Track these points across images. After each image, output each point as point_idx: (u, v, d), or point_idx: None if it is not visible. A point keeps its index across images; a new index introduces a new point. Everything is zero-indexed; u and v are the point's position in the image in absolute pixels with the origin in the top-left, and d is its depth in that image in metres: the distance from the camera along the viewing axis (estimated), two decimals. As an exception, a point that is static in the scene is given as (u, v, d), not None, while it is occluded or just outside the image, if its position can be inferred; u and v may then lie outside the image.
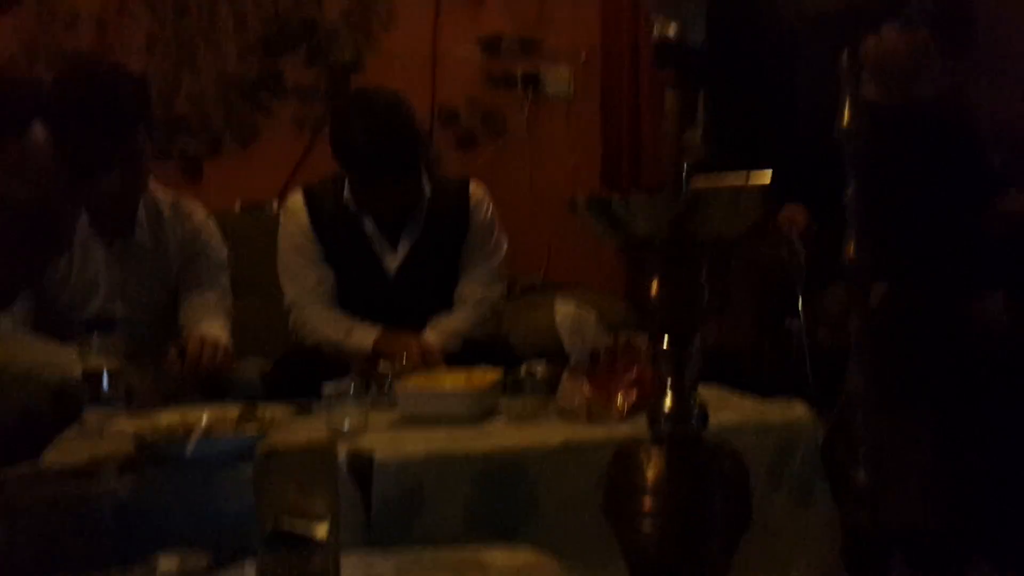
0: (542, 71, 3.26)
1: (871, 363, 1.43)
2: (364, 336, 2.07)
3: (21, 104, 0.81)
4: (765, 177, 1.06)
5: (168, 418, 1.40)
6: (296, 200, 2.21)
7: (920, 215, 2.05)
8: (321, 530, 0.87)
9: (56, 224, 0.80)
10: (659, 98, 3.21)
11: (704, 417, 1.07)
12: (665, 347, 1.04)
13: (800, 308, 2.44)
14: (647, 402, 1.58)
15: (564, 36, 3.26)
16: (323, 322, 2.12)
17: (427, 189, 2.16)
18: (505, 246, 2.26)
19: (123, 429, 1.36)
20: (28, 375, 1.78)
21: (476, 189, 2.25)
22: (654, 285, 1.02)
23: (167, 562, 0.97)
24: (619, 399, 1.56)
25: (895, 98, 2.37)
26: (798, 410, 1.53)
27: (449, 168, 3.18)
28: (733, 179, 1.09)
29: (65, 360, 1.80)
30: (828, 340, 2.41)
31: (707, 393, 1.56)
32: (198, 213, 2.21)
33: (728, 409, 1.55)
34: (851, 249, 1.36)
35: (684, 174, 1.13)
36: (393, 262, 2.17)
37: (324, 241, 2.16)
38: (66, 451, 1.39)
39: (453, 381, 1.67)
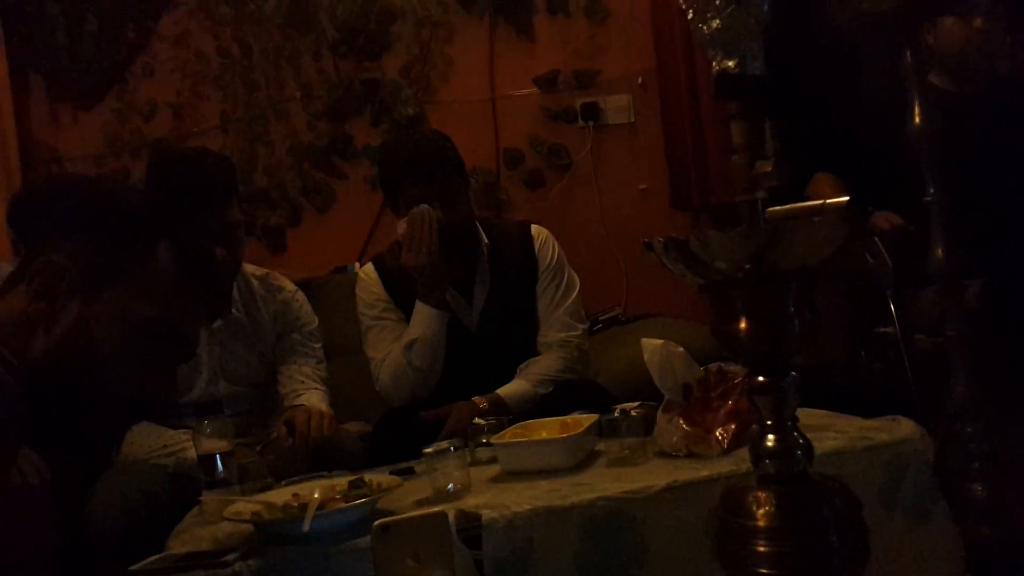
0: (600, 101, 3.28)
1: (973, 368, 1.37)
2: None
3: (142, 225, 0.84)
4: (841, 200, 1.04)
5: (281, 496, 1.45)
6: (368, 269, 2.26)
7: (1009, 206, 1.98)
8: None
9: (186, 335, 0.84)
10: (721, 113, 3.21)
11: (809, 452, 1.05)
12: (760, 385, 1.03)
13: (894, 314, 2.37)
14: (747, 432, 1.57)
15: (619, 64, 3.29)
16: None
17: (483, 237, 2.19)
18: (578, 284, 2.24)
19: (240, 511, 1.41)
20: (147, 461, 1.88)
21: (539, 232, 2.25)
22: (742, 323, 1.01)
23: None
24: (718, 433, 1.55)
25: (964, 88, 2.31)
26: (905, 427, 1.49)
27: (520, 209, 3.23)
28: (810, 206, 1.08)
29: (180, 445, 1.89)
30: (927, 345, 2.33)
31: (809, 417, 1.54)
32: (287, 287, 2.28)
33: (832, 432, 1.52)
34: (939, 252, 1.31)
35: (760, 205, 1.11)
36: (471, 316, 2.18)
37: (401, 306, 2.18)
38: (189, 538, 1.44)
39: (549, 430, 1.68)
